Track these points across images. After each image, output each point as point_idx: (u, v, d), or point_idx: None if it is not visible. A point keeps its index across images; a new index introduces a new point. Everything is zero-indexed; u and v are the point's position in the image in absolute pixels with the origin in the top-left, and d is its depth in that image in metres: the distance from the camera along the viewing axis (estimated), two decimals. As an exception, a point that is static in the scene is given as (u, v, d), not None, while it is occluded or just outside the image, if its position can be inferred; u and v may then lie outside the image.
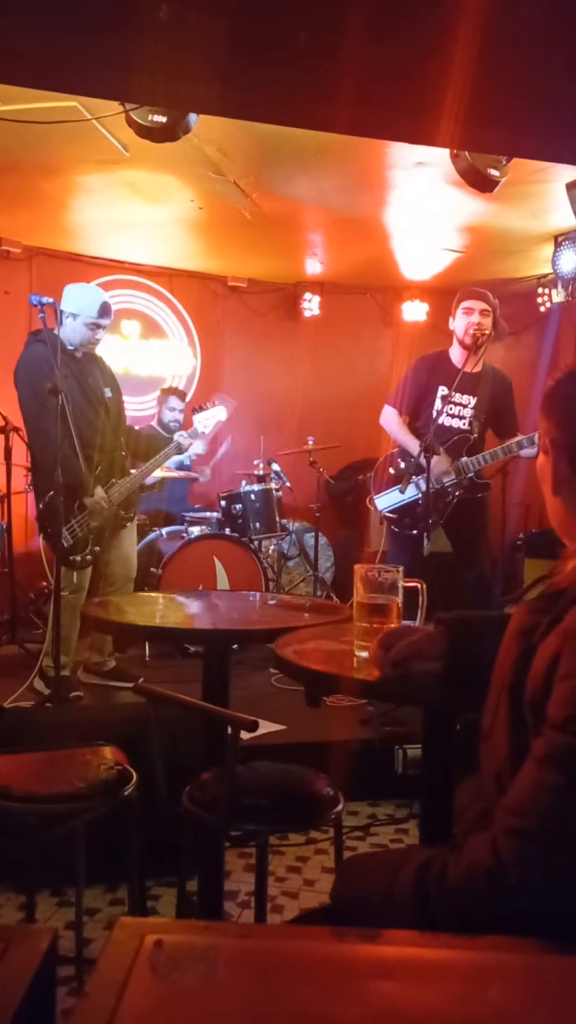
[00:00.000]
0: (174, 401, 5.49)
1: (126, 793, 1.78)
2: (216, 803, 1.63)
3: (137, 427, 4.35)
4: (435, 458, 3.71)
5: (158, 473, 4.53)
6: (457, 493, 3.87)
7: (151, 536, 4.85)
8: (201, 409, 4.02)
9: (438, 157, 3.63)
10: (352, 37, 2.35)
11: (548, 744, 0.93)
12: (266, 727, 3.13)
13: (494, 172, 3.15)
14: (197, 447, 4.03)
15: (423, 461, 3.64)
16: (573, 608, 1.00)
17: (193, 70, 2.51)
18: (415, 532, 3.82)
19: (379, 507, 4.07)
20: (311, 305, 6.48)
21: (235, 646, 3.43)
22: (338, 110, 2.68)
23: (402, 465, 3.93)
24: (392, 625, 1.55)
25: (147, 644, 4.37)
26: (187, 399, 5.71)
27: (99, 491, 3.61)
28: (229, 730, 1.64)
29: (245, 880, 2.59)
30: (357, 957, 0.74)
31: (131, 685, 3.80)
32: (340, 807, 1.70)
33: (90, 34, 2.37)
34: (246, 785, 1.67)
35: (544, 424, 1.15)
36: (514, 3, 2.30)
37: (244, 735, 1.59)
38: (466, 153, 3.10)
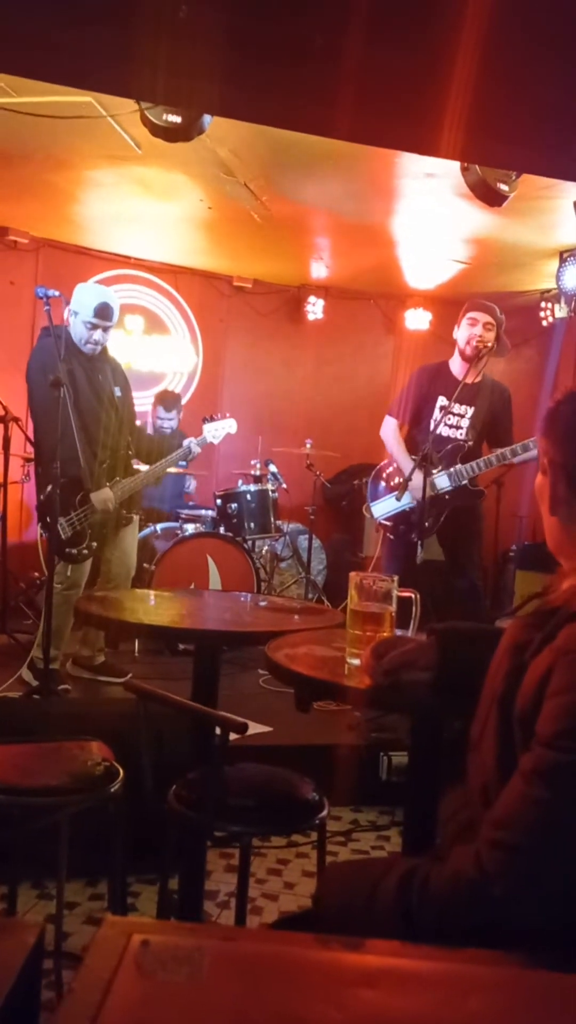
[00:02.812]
0: (161, 411, 5.53)
1: (112, 790, 1.78)
2: (202, 803, 1.64)
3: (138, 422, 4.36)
4: (416, 476, 3.72)
5: None
6: (456, 500, 3.89)
7: (146, 532, 4.86)
8: (212, 419, 4.07)
9: (448, 169, 3.65)
10: (356, 44, 2.36)
11: (536, 760, 0.95)
12: (253, 728, 3.14)
13: (503, 187, 3.17)
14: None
15: (419, 473, 3.67)
16: (566, 627, 1.01)
17: (194, 68, 2.51)
18: (410, 539, 3.83)
19: (375, 514, 4.09)
20: (315, 308, 6.50)
21: (225, 648, 3.44)
22: (340, 116, 2.69)
23: (396, 480, 3.96)
24: (385, 634, 1.56)
25: (136, 640, 4.38)
26: (178, 405, 5.72)
27: (107, 491, 3.62)
28: (218, 731, 1.65)
29: (226, 880, 2.60)
30: (340, 964, 0.75)
31: (120, 680, 3.84)
32: (324, 812, 1.71)
33: (94, 27, 2.37)
34: (232, 786, 1.68)
35: (544, 444, 1.16)
36: (520, 17, 2.31)
37: (231, 736, 1.60)
38: (476, 167, 3.11)
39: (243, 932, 1.00)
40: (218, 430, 4.06)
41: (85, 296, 3.62)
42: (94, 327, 3.60)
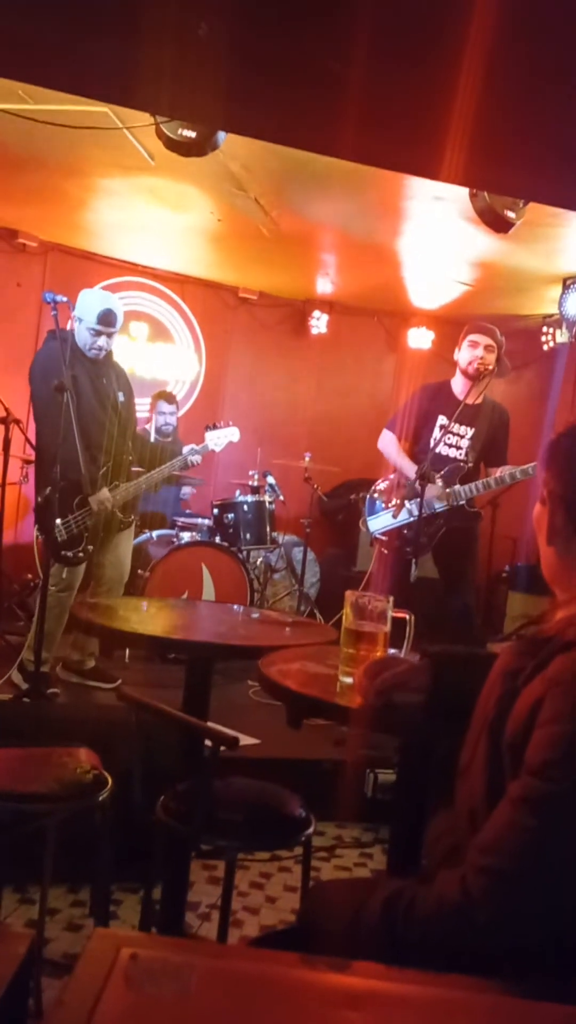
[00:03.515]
0: (163, 405, 5.54)
1: (100, 798, 1.79)
2: (189, 815, 1.65)
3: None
4: (430, 485, 3.76)
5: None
6: (452, 520, 3.91)
7: (141, 538, 4.87)
8: (215, 427, 4.08)
9: (456, 194, 3.68)
10: (361, 67, 2.39)
11: (525, 788, 0.96)
12: (242, 740, 3.15)
13: (511, 214, 3.21)
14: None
15: (418, 487, 3.69)
16: (559, 656, 1.02)
17: (203, 83, 2.54)
18: (404, 556, 3.85)
19: (371, 529, 4.11)
20: (319, 323, 6.54)
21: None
22: (343, 136, 2.72)
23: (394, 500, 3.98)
24: (378, 654, 1.57)
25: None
26: (177, 403, 5.75)
27: (105, 492, 3.63)
28: (208, 743, 1.65)
29: (207, 892, 2.60)
30: (326, 985, 0.76)
31: (109, 686, 3.84)
32: (311, 829, 1.72)
33: (100, 38, 2.40)
34: (220, 800, 1.69)
35: (544, 475, 1.18)
36: (523, 47, 2.34)
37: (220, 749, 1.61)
38: (485, 193, 3.15)
39: (231, 950, 1.01)
40: (220, 438, 4.09)
41: (89, 302, 3.65)
42: (98, 333, 3.62)
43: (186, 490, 5.71)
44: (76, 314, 3.63)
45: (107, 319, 3.61)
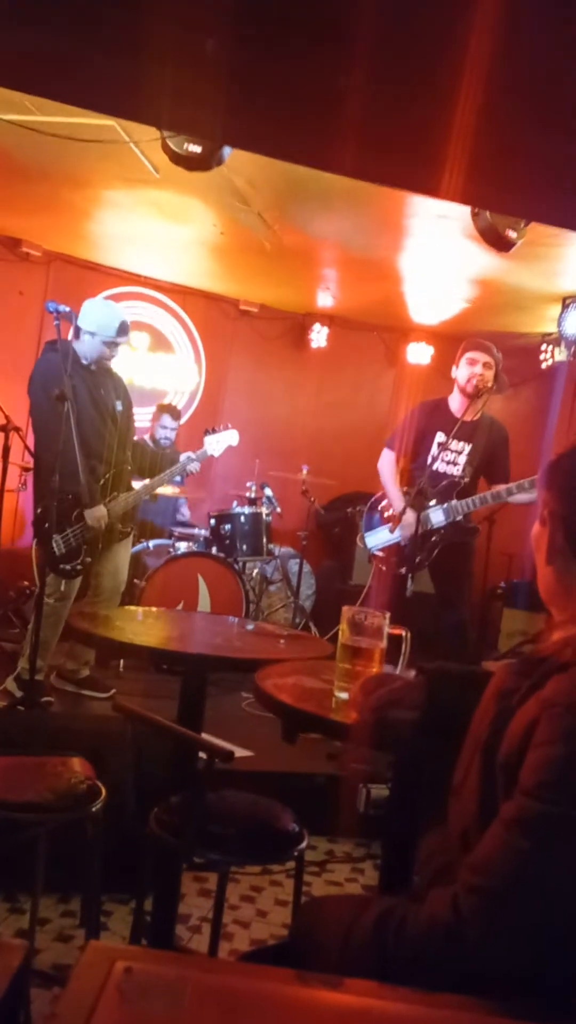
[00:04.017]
0: (167, 419, 5.56)
1: (93, 809, 1.79)
2: (182, 828, 1.65)
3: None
4: (409, 513, 3.77)
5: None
6: (449, 536, 3.92)
7: (138, 548, 4.87)
8: (213, 431, 4.09)
9: (458, 212, 3.72)
10: (361, 85, 2.41)
11: (518, 808, 0.96)
12: (235, 753, 3.14)
13: (512, 233, 3.24)
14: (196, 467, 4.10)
15: (410, 511, 3.72)
16: (554, 678, 1.03)
17: (204, 98, 2.57)
18: (401, 572, 3.86)
19: (368, 544, 4.12)
20: (319, 336, 6.57)
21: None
22: (344, 153, 2.75)
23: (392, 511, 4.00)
24: (374, 670, 1.58)
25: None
26: (181, 419, 5.77)
27: (101, 508, 3.64)
28: (202, 756, 1.66)
29: (198, 904, 2.59)
30: (319, 1002, 0.76)
31: (103, 696, 3.83)
32: (303, 844, 1.72)
33: (106, 53, 2.43)
34: (214, 813, 1.69)
35: (544, 495, 1.19)
36: (521, 70, 2.37)
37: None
38: (487, 212, 3.18)
39: (225, 965, 1.02)
40: (219, 442, 4.09)
41: (103, 316, 3.65)
42: (116, 345, 3.65)
43: (185, 510, 5.73)
44: (88, 328, 3.63)
45: (126, 328, 3.67)
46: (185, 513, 5.72)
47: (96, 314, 3.67)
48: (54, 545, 3.53)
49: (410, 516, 3.81)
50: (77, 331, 3.69)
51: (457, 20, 2.17)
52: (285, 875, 2.83)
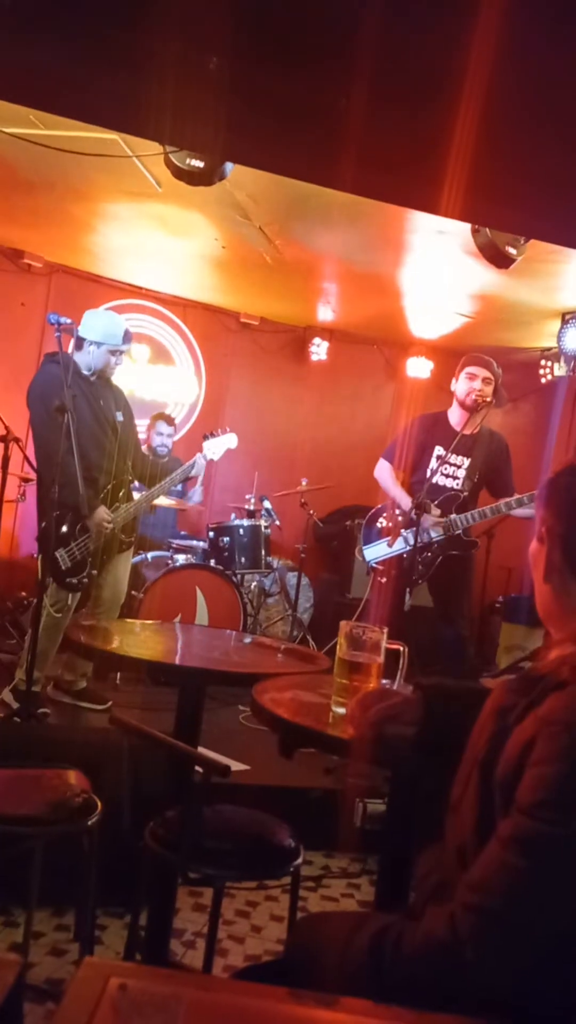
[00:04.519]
0: (162, 426, 5.56)
1: (89, 823, 1.78)
2: (178, 842, 1.64)
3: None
4: (426, 515, 3.79)
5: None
6: (448, 549, 3.93)
7: (136, 559, 4.87)
8: (212, 436, 4.08)
9: (458, 228, 3.74)
10: (362, 102, 2.44)
11: (515, 827, 0.96)
12: (231, 766, 3.13)
13: (512, 250, 3.26)
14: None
15: (414, 516, 3.71)
16: (552, 695, 1.02)
17: (199, 112, 2.59)
18: (400, 585, 3.86)
19: (367, 558, 4.12)
20: (319, 350, 6.59)
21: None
22: (343, 169, 2.77)
23: (391, 522, 4.00)
24: (372, 685, 1.58)
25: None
26: (175, 425, 5.77)
27: (102, 510, 3.64)
28: (199, 769, 1.65)
29: (192, 919, 2.58)
30: (314, 1020, 0.76)
31: (100, 708, 3.82)
32: (300, 860, 1.71)
33: (109, 69, 2.46)
34: (210, 828, 1.68)
35: (542, 512, 1.19)
36: (520, 88, 2.39)
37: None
38: (487, 229, 3.20)
39: (220, 982, 1.01)
40: (218, 446, 4.07)
41: (107, 325, 3.68)
42: (120, 353, 3.68)
43: (195, 496, 5.57)
44: (94, 338, 3.65)
45: (130, 336, 3.72)
46: (197, 496, 5.59)
47: (101, 324, 3.69)
48: (59, 559, 3.54)
49: (431, 518, 3.82)
50: (79, 342, 3.70)
51: (457, 39, 2.19)
52: (281, 890, 2.82)
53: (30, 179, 4.26)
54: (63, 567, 3.54)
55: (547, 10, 2.17)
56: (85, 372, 3.69)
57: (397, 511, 4.03)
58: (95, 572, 3.65)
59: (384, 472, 4.09)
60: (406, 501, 3.90)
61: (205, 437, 4.13)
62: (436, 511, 3.90)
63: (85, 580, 3.64)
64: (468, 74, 2.27)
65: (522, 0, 2.11)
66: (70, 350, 3.80)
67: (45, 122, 3.47)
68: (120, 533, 3.74)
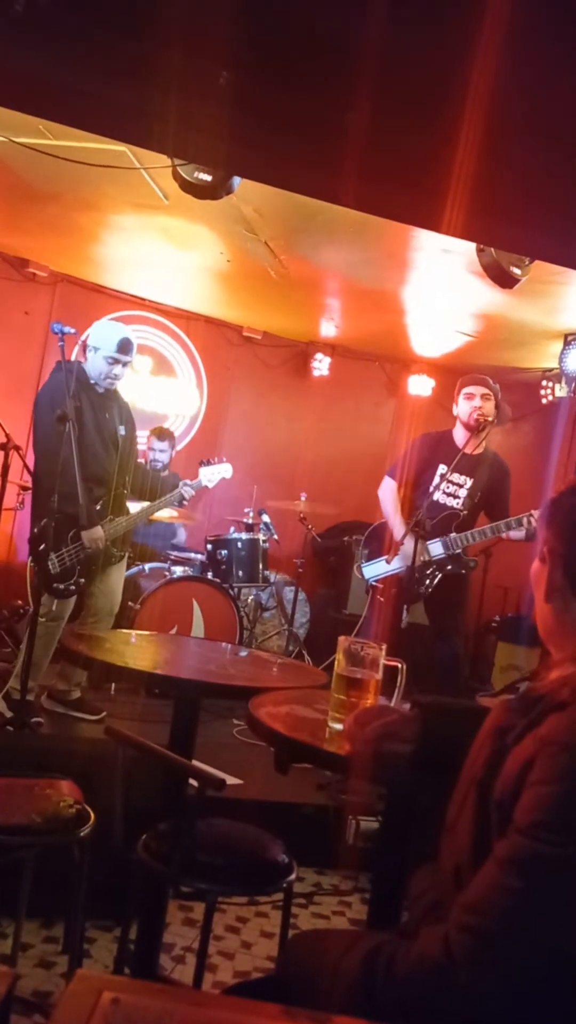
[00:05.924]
0: (156, 442, 5.58)
1: (82, 834, 1.77)
2: (171, 857, 1.63)
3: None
4: (408, 541, 3.78)
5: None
6: (447, 567, 3.93)
7: (133, 570, 4.86)
8: (209, 463, 4.13)
9: (462, 247, 3.76)
10: (365, 119, 2.45)
11: (512, 847, 0.95)
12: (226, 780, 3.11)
13: (516, 270, 3.27)
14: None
15: (409, 539, 3.72)
16: (551, 717, 1.02)
17: (205, 126, 2.61)
18: (399, 603, 3.86)
19: (366, 575, 4.12)
20: (321, 365, 6.61)
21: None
22: (346, 185, 2.78)
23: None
24: (369, 701, 1.57)
25: (113, 679, 4.35)
26: (173, 440, 5.78)
27: (98, 529, 3.64)
28: (193, 782, 1.64)
29: (182, 934, 2.55)
30: (307, 1039, 0.75)
31: (94, 718, 3.81)
32: (292, 876, 1.70)
33: (116, 80, 2.47)
34: (203, 842, 1.67)
35: (544, 533, 1.19)
36: (523, 108, 2.41)
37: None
38: (492, 249, 3.22)
39: (212, 998, 1.00)
40: (214, 474, 4.13)
41: (106, 332, 3.70)
42: (115, 362, 3.68)
43: (181, 534, 5.72)
44: (91, 343, 3.67)
45: (125, 347, 3.68)
46: (181, 536, 5.72)
47: (100, 331, 3.71)
48: (49, 564, 3.53)
49: (409, 545, 3.82)
50: (88, 349, 3.73)
51: (461, 56, 2.21)
52: (271, 906, 2.80)
53: (37, 188, 4.28)
54: (51, 572, 3.53)
55: (550, 29, 2.19)
56: (92, 381, 3.70)
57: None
58: (83, 580, 3.65)
59: (387, 493, 4.09)
60: (400, 530, 3.92)
61: (202, 464, 4.16)
62: (433, 533, 3.89)
63: (72, 588, 3.63)
64: (472, 92, 2.29)
65: (526, 18, 2.12)
66: (76, 358, 3.82)
67: (54, 132, 3.49)
68: (112, 546, 3.74)
